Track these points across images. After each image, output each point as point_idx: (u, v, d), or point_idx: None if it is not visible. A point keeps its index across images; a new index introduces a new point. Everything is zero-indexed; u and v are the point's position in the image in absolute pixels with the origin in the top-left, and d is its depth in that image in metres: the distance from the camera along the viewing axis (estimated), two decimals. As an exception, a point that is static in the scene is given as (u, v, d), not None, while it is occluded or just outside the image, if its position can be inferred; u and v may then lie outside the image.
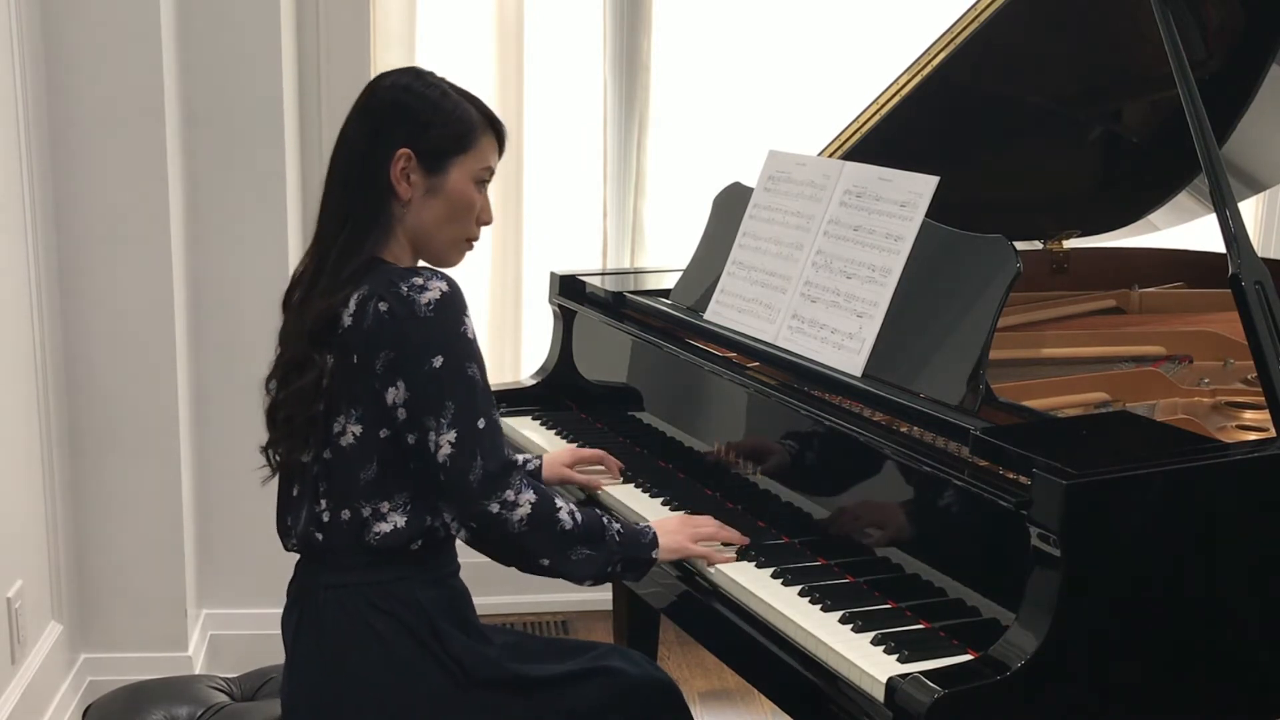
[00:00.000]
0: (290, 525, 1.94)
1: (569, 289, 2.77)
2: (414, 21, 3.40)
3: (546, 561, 1.87)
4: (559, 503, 1.88)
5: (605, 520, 1.94)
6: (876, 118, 2.49)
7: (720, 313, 2.35)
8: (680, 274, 2.56)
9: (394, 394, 1.81)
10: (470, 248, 1.98)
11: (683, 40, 3.61)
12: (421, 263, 1.95)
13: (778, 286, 2.24)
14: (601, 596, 3.23)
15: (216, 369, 3.24)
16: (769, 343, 2.20)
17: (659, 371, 2.49)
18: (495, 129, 1.95)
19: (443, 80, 1.95)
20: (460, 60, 3.44)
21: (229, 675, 2.21)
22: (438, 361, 1.79)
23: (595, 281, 2.73)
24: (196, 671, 3.10)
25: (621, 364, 2.60)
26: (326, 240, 1.90)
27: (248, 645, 3.21)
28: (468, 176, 1.92)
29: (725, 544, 2.02)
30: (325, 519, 1.87)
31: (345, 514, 1.85)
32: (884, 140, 2.48)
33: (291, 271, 1.85)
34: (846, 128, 2.53)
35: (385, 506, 1.85)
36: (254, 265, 3.19)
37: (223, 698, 2.12)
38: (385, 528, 1.85)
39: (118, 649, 3.15)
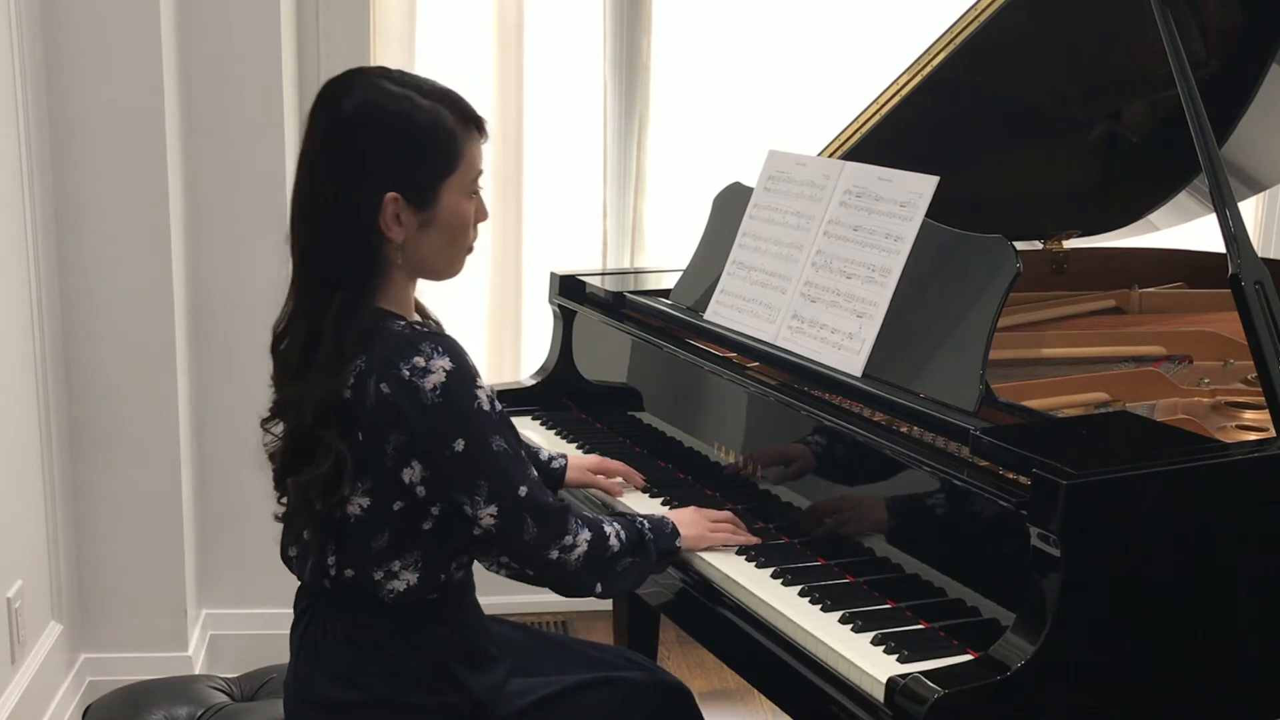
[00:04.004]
0: (295, 560, 1.88)
1: (569, 289, 2.76)
2: (414, 21, 3.40)
3: (600, 588, 1.86)
4: (607, 529, 1.86)
5: (637, 522, 1.93)
6: (877, 118, 2.48)
7: (720, 313, 2.34)
8: (680, 274, 2.56)
9: (410, 474, 1.73)
10: (471, 252, 1.84)
11: (683, 40, 3.61)
12: (422, 304, 1.87)
13: (778, 286, 2.24)
14: (601, 596, 3.23)
15: (216, 369, 3.24)
16: (769, 343, 2.20)
17: (659, 371, 2.49)
18: (476, 125, 1.76)
19: (404, 79, 1.74)
20: (460, 60, 3.45)
21: (229, 675, 2.21)
22: (459, 445, 1.70)
23: (595, 281, 2.72)
24: (196, 671, 3.10)
25: (621, 364, 2.60)
26: (316, 306, 1.72)
27: (248, 645, 3.21)
28: (460, 194, 1.75)
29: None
30: (332, 573, 1.80)
31: (350, 572, 1.79)
32: (884, 140, 2.48)
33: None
34: (846, 128, 2.53)
35: (396, 565, 1.78)
36: (254, 265, 3.18)
37: (223, 698, 2.12)
38: (399, 585, 1.79)
39: (118, 649, 3.15)
